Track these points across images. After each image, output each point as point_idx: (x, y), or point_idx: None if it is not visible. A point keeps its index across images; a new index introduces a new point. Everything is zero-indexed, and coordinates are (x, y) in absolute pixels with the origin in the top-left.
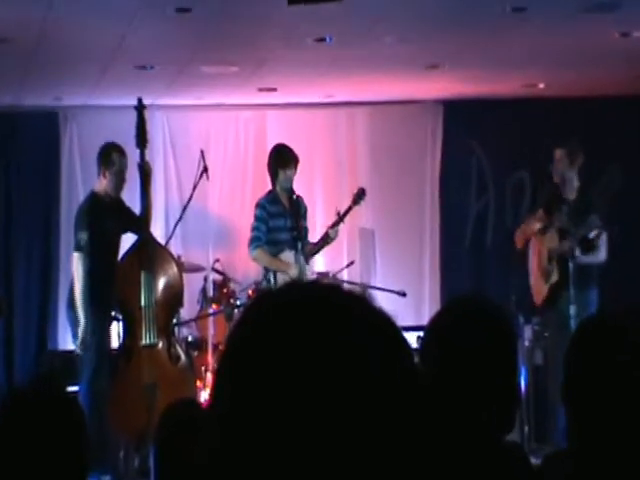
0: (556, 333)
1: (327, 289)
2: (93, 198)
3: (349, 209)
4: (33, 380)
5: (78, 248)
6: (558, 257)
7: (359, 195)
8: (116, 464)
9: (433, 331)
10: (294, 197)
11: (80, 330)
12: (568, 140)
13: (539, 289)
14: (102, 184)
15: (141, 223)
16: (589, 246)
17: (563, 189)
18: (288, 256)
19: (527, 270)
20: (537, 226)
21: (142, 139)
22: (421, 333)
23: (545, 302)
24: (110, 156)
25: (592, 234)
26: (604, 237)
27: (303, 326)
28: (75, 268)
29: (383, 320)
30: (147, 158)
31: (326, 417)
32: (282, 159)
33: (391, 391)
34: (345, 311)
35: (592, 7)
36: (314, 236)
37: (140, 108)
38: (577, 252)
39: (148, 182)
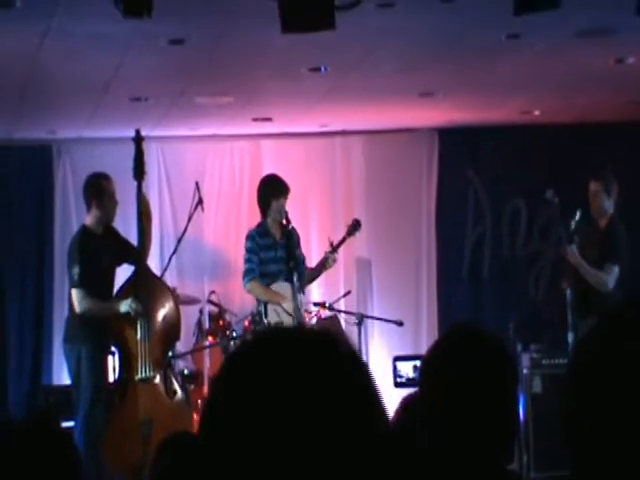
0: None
1: (296, 341)
2: (84, 232)
3: (343, 240)
4: (27, 416)
5: (73, 284)
6: (575, 270)
7: (354, 226)
8: None
9: (431, 360)
10: (289, 228)
11: (130, 308)
12: (602, 171)
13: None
14: (93, 216)
15: (137, 254)
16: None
17: (599, 221)
18: (283, 287)
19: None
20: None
21: (140, 171)
22: (418, 362)
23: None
24: (100, 184)
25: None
26: (615, 270)
27: (277, 377)
28: (76, 304)
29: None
30: (143, 190)
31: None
32: (273, 189)
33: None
34: (312, 367)
35: (587, 33)
36: (309, 264)
37: (138, 139)
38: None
39: (147, 215)
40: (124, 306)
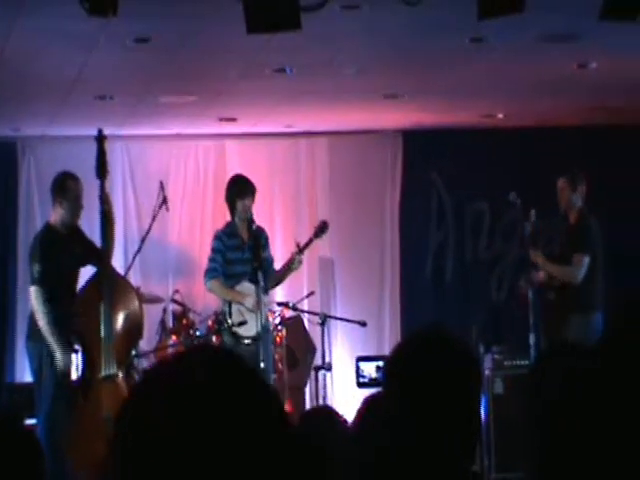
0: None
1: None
2: (47, 230)
3: (310, 241)
4: None
5: (33, 281)
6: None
7: (321, 228)
8: None
9: (396, 361)
10: (254, 228)
11: (58, 360)
12: (569, 168)
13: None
14: (58, 214)
15: (101, 255)
16: (554, 257)
17: (569, 215)
18: (247, 287)
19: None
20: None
21: (102, 170)
22: (380, 363)
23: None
24: (65, 183)
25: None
26: (585, 260)
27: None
28: (34, 301)
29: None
30: (107, 189)
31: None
32: (239, 189)
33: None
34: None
35: (550, 38)
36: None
37: (100, 139)
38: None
39: (109, 214)
40: (59, 351)
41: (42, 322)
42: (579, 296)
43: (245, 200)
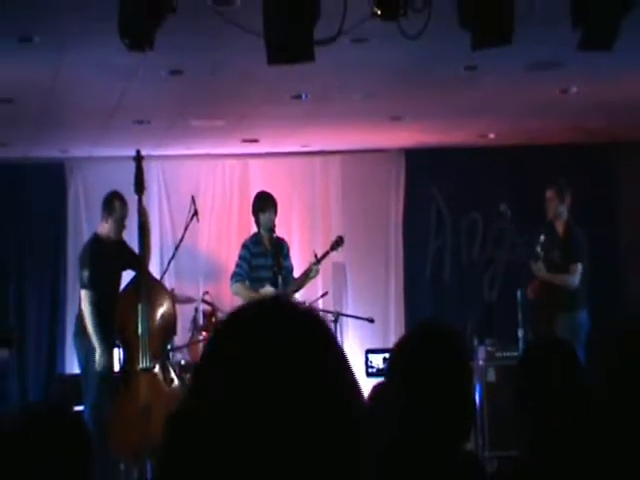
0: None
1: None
2: (95, 239)
3: (327, 253)
4: (45, 401)
5: (83, 285)
6: (540, 280)
7: (337, 242)
8: (117, 476)
9: (399, 352)
10: (274, 238)
11: (98, 357)
12: (556, 180)
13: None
14: (104, 228)
15: (139, 261)
16: (551, 266)
17: (555, 224)
18: (269, 291)
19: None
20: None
21: (140, 186)
22: (387, 355)
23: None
24: (113, 203)
25: (538, 246)
26: (579, 267)
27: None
28: (83, 304)
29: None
30: (144, 203)
31: (281, 421)
32: (263, 204)
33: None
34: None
35: (535, 66)
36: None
37: (138, 159)
38: (540, 267)
39: (146, 225)
40: (99, 351)
41: (89, 323)
42: (568, 296)
43: (267, 213)
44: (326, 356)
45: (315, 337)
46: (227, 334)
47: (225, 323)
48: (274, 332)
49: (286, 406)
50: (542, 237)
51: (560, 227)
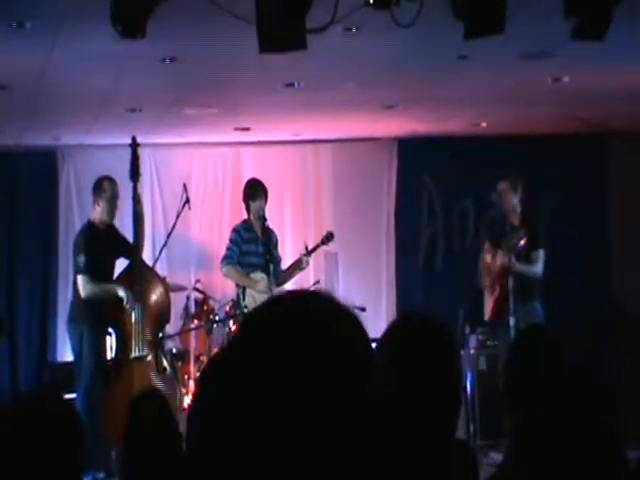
0: (502, 343)
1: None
2: (89, 226)
3: (317, 247)
4: (37, 389)
5: (79, 271)
6: (501, 272)
7: (327, 237)
8: (109, 463)
9: (384, 343)
10: (266, 225)
11: (121, 294)
12: (509, 173)
13: (488, 304)
14: (97, 212)
15: (133, 249)
16: (521, 256)
17: (509, 216)
18: (259, 276)
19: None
20: (488, 257)
21: (135, 173)
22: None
23: (493, 315)
24: (102, 184)
25: (520, 243)
26: (541, 253)
27: (282, 345)
28: (82, 289)
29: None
30: (138, 191)
31: (298, 418)
32: (253, 191)
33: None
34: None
35: (527, 55)
36: (283, 262)
37: (134, 145)
38: (514, 262)
39: (141, 213)
40: (122, 291)
41: (95, 295)
42: (527, 287)
43: (258, 201)
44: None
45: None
46: (253, 332)
47: (252, 319)
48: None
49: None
50: (508, 228)
51: (516, 219)
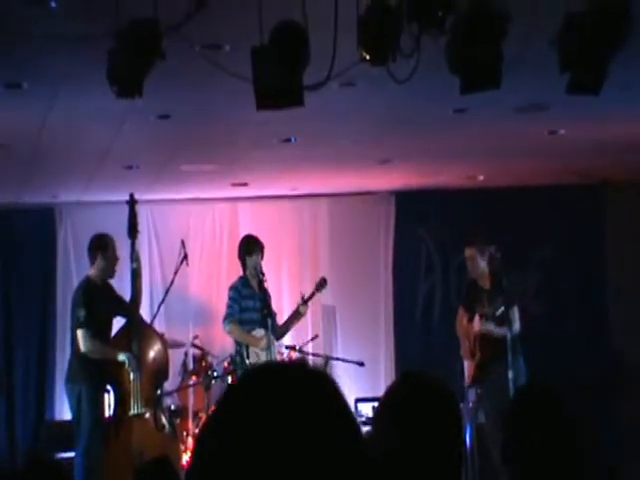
0: (494, 402)
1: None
2: (88, 281)
3: (312, 295)
4: (32, 449)
5: (79, 324)
6: (479, 337)
7: (321, 284)
8: None
9: (386, 405)
10: (263, 280)
11: (122, 359)
12: (474, 237)
13: (469, 369)
14: (98, 268)
15: (130, 308)
16: (501, 320)
17: (481, 280)
18: (259, 333)
19: None
20: (464, 320)
21: (133, 230)
22: (376, 404)
23: (474, 379)
24: (104, 240)
25: (499, 312)
26: (515, 312)
27: (270, 408)
28: (82, 342)
29: (337, 404)
30: (136, 248)
31: (287, 476)
32: (249, 247)
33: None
34: (305, 397)
35: (524, 108)
36: (280, 316)
37: (132, 202)
38: (491, 326)
39: (139, 270)
40: (122, 356)
41: (95, 354)
42: (509, 345)
43: (254, 256)
44: (335, 420)
45: (327, 403)
46: (237, 397)
47: (236, 385)
48: (286, 398)
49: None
50: (484, 295)
51: (486, 281)
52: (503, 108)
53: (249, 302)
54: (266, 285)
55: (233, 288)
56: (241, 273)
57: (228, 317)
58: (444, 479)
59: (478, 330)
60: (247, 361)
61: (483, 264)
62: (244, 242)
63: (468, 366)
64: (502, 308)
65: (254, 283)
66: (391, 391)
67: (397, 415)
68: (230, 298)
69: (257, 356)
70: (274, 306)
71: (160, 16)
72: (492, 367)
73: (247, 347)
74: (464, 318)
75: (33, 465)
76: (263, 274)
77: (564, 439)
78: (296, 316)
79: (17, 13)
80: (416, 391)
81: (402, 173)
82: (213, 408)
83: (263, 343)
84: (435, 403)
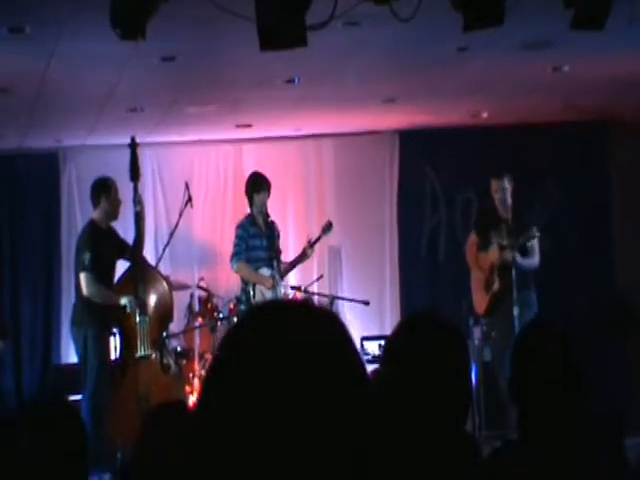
0: (501, 334)
1: (295, 311)
2: (92, 225)
3: (319, 238)
4: (40, 393)
5: (84, 268)
6: (499, 267)
7: (327, 227)
8: (115, 464)
9: (392, 344)
10: (269, 220)
11: (126, 302)
12: (501, 170)
13: (481, 299)
14: (101, 211)
15: (133, 251)
16: (525, 252)
17: (502, 211)
18: (265, 272)
19: None
20: (474, 249)
21: (135, 173)
22: (382, 342)
23: (488, 309)
24: (107, 183)
25: (530, 242)
26: (536, 244)
27: (275, 340)
28: (85, 286)
29: (341, 336)
30: (139, 191)
31: (294, 413)
32: (256, 185)
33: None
34: (310, 330)
35: (527, 45)
36: (286, 256)
37: (133, 145)
38: (518, 258)
39: (142, 214)
40: (124, 300)
41: (98, 298)
42: (521, 278)
43: (262, 194)
44: (344, 360)
45: (334, 340)
46: (243, 335)
47: (241, 323)
48: (292, 334)
49: (301, 406)
50: (503, 226)
51: (508, 212)
52: (507, 45)
53: (256, 241)
54: (272, 220)
55: (240, 227)
56: (247, 212)
57: (236, 255)
58: (451, 420)
59: (497, 259)
60: (253, 300)
61: (507, 195)
62: (252, 179)
63: (480, 298)
64: (533, 241)
65: (261, 222)
66: (397, 332)
67: (404, 357)
68: (237, 237)
69: (263, 295)
70: (280, 246)
71: None
72: (509, 299)
73: (254, 286)
74: (474, 246)
75: (48, 407)
76: (268, 214)
77: (570, 375)
78: (302, 258)
79: None
80: (422, 333)
81: (406, 112)
82: (219, 346)
83: (270, 283)
84: (441, 345)
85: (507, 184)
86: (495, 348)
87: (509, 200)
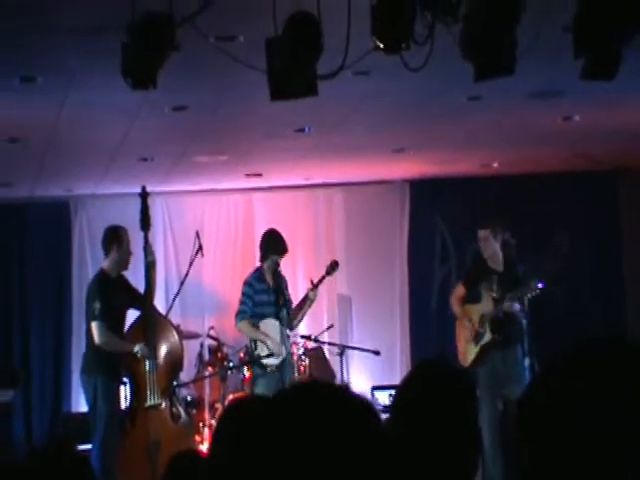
0: (485, 389)
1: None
2: (102, 274)
3: (322, 278)
4: (50, 442)
5: (94, 317)
6: (491, 320)
7: (332, 267)
8: None
9: (401, 394)
10: (278, 272)
11: (138, 351)
12: (493, 220)
13: (467, 352)
14: (111, 260)
15: (143, 300)
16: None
17: (492, 262)
18: (272, 323)
19: None
20: (458, 296)
21: (146, 222)
22: (393, 392)
23: (474, 362)
24: (118, 232)
25: (530, 295)
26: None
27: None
28: (97, 335)
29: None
30: (150, 240)
31: None
32: (275, 247)
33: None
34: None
35: (538, 94)
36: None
37: (144, 195)
38: (517, 309)
39: (153, 263)
40: (135, 347)
41: (109, 347)
42: (516, 330)
43: (278, 256)
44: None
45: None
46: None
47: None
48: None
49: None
50: (494, 278)
51: (498, 264)
52: (517, 95)
53: (263, 296)
54: (280, 270)
55: (247, 284)
56: (257, 264)
57: (240, 314)
58: (462, 470)
59: (491, 311)
60: (255, 352)
61: (496, 246)
62: (271, 239)
63: (466, 350)
64: (534, 293)
65: (269, 276)
66: (408, 380)
67: (413, 404)
68: (243, 294)
69: (267, 347)
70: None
71: (174, 8)
72: (496, 352)
73: (255, 341)
74: (459, 296)
75: (58, 456)
76: (279, 270)
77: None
78: (306, 302)
79: (31, 7)
80: (432, 385)
81: (417, 162)
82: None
83: (270, 341)
84: (452, 396)
85: (484, 234)
86: (484, 403)
87: (493, 249)
